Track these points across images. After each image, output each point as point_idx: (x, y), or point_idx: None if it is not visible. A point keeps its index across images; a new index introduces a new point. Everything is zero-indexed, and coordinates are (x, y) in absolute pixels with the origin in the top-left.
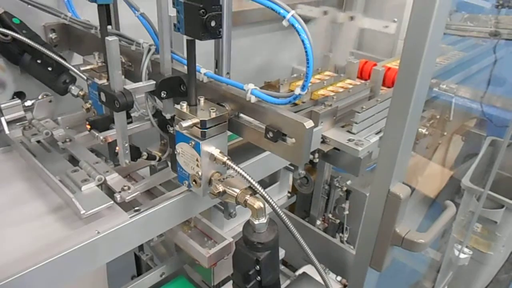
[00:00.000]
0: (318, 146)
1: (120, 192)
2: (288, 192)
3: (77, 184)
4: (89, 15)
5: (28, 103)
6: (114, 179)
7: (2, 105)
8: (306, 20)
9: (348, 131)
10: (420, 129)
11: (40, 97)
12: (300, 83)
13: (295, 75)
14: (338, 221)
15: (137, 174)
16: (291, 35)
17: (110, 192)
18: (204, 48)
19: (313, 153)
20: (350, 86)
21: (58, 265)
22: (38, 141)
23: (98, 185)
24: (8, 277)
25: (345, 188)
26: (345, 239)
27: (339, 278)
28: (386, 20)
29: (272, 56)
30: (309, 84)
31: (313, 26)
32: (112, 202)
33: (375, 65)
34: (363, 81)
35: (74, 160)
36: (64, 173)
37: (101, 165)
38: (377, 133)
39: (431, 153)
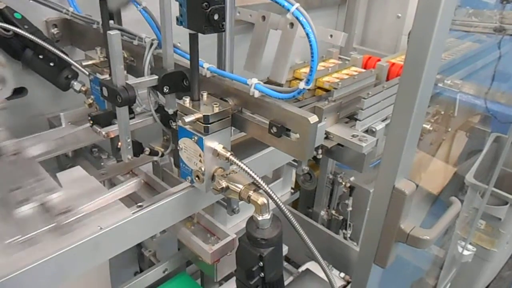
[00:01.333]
0: (321, 142)
1: (60, 214)
2: (291, 188)
3: (13, 205)
4: (91, 10)
5: None
6: (57, 198)
7: None
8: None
9: (352, 127)
10: (424, 125)
11: None
12: (305, 70)
13: (300, 61)
14: (341, 217)
15: (140, 170)
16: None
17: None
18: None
19: (316, 149)
20: (356, 73)
21: (60, 261)
22: None
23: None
24: (10, 273)
25: (348, 185)
26: (349, 235)
27: (342, 274)
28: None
29: (274, 52)
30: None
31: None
32: (53, 225)
33: (379, 60)
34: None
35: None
36: (7, 189)
37: (47, 181)
38: (383, 120)
39: (435, 149)
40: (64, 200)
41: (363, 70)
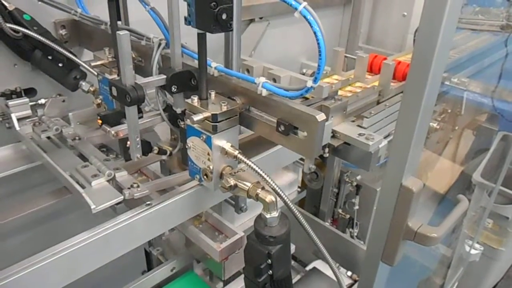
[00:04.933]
0: (328, 140)
1: (129, 188)
2: (298, 187)
3: (87, 179)
4: (99, 11)
5: (41, 101)
6: (123, 176)
7: (10, 103)
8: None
9: (359, 126)
10: (431, 123)
11: (54, 95)
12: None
13: (304, 70)
14: (348, 216)
15: (148, 169)
16: (300, 30)
17: (119, 189)
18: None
19: (323, 147)
20: (359, 90)
21: (70, 259)
22: (48, 137)
23: (107, 181)
24: (22, 270)
25: (355, 183)
26: (355, 234)
27: (349, 273)
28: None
29: (281, 51)
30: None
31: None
32: (122, 197)
33: (385, 59)
34: (372, 85)
35: (83, 158)
36: (74, 168)
37: (111, 163)
38: (385, 137)
39: (442, 148)
40: (130, 178)
41: (368, 87)
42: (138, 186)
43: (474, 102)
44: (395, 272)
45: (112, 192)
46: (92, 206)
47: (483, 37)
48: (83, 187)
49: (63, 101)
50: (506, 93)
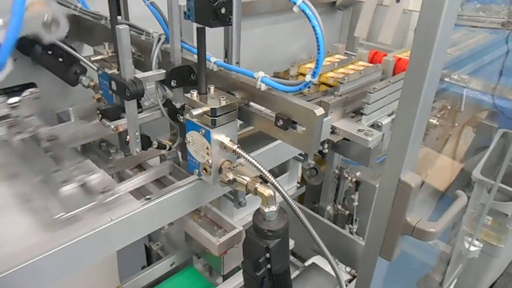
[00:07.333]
0: (327, 136)
1: (102, 192)
2: (297, 182)
3: (56, 185)
4: (99, 6)
5: (14, 99)
6: (96, 179)
7: None
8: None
9: (358, 122)
10: (430, 120)
11: (25, 93)
12: (310, 65)
13: (305, 57)
14: (347, 212)
15: (148, 164)
16: (299, 26)
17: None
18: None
19: (322, 143)
20: (361, 68)
21: (71, 252)
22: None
23: (79, 186)
24: (21, 264)
25: (354, 179)
26: (355, 230)
27: (348, 268)
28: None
29: (280, 47)
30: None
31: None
32: (94, 203)
33: (385, 55)
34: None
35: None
36: (46, 172)
37: (85, 164)
38: (389, 115)
39: (442, 145)
40: (103, 181)
41: (370, 65)
42: (110, 190)
43: (474, 99)
44: (394, 269)
45: (81, 199)
46: (55, 216)
47: (484, 34)
48: (53, 193)
49: (36, 98)
50: (506, 91)
